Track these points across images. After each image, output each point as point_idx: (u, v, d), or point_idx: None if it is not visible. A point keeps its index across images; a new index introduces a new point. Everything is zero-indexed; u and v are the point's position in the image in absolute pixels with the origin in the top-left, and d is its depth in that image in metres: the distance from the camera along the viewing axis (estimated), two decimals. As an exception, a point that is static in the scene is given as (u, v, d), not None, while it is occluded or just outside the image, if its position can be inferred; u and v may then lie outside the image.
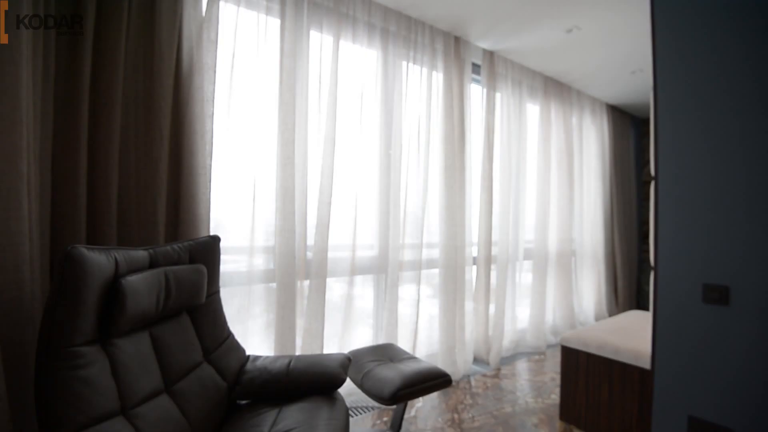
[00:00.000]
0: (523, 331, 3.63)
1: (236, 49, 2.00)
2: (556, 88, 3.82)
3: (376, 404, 2.36)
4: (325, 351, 2.29)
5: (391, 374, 1.71)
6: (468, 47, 3.00)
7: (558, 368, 2.87)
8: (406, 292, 2.71)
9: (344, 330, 2.41)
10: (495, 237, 3.22)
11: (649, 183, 4.89)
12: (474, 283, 3.05)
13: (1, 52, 1.23)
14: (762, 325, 1.18)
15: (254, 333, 2.14)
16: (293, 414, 1.37)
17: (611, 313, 4.42)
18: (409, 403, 2.28)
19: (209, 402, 1.40)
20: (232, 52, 1.99)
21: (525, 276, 3.66)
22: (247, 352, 1.73)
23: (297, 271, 2.18)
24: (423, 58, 2.77)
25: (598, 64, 3.47)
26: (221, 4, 1.93)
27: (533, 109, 3.77)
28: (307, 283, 2.24)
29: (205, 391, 1.40)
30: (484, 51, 3.13)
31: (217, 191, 1.98)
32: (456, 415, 2.30)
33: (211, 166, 1.89)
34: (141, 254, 1.31)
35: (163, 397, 1.26)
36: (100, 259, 1.10)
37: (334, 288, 2.45)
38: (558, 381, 2.70)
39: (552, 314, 3.88)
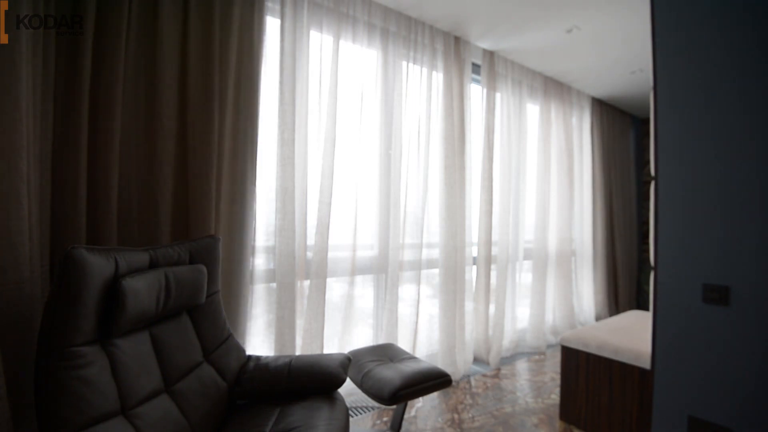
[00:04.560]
0: (523, 331, 3.63)
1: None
2: (556, 88, 3.82)
3: (376, 404, 2.36)
4: (325, 351, 2.29)
5: (391, 374, 1.71)
6: (468, 47, 3.00)
7: (558, 368, 2.87)
8: (406, 292, 2.71)
9: (344, 330, 2.41)
10: (495, 237, 3.22)
11: (649, 183, 4.89)
12: (474, 283, 3.05)
13: (1, 52, 1.22)
14: (762, 326, 1.18)
15: (254, 333, 2.14)
16: (293, 414, 1.37)
17: (611, 313, 4.42)
18: (409, 403, 2.28)
19: (209, 402, 1.40)
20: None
21: (525, 276, 3.66)
22: (248, 352, 1.73)
23: (297, 271, 2.17)
24: (423, 58, 2.77)
25: (598, 64, 3.47)
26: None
27: (533, 109, 3.77)
28: (307, 283, 2.24)
29: (206, 390, 1.40)
30: (484, 51, 3.13)
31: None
32: (456, 415, 2.30)
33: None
34: (141, 255, 1.31)
35: (163, 397, 1.26)
36: (100, 260, 1.10)
37: (334, 288, 2.45)
38: (558, 381, 2.70)
39: (552, 314, 3.88)
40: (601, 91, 4.15)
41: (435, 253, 2.89)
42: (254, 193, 2.05)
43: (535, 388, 2.72)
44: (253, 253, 2.08)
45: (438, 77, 2.87)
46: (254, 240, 2.08)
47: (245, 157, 2.02)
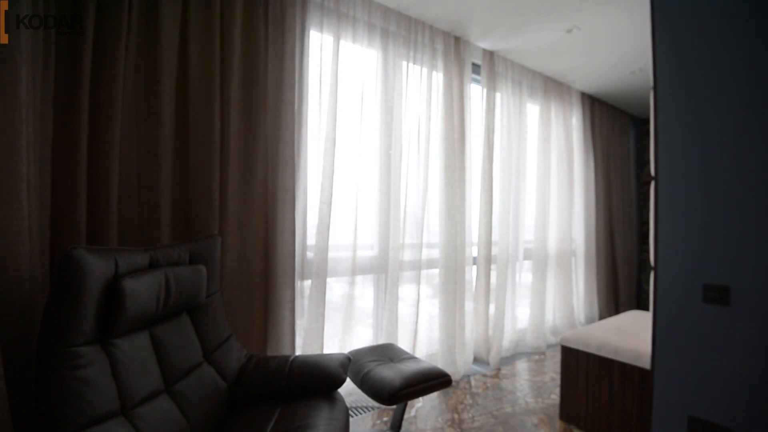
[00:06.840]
0: (523, 331, 3.63)
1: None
2: (555, 88, 3.82)
3: (376, 404, 2.36)
4: (325, 351, 2.29)
5: (391, 374, 1.71)
6: (468, 47, 3.00)
7: (558, 368, 2.87)
8: (406, 292, 2.71)
9: (344, 330, 2.41)
10: (495, 237, 3.22)
11: (649, 183, 4.89)
12: (474, 283, 3.05)
13: (1, 52, 1.22)
14: (762, 325, 1.18)
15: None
16: (293, 414, 1.37)
17: (611, 313, 4.42)
18: (409, 403, 2.28)
19: (209, 402, 1.40)
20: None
21: (525, 276, 3.66)
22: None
23: (297, 271, 2.18)
24: (423, 58, 2.77)
25: (598, 64, 3.47)
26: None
27: (533, 109, 3.77)
28: (307, 283, 2.24)
29: (205, 391, 1.40)
30: (484, 51, 3.13)
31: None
32: (456, 415, 2.30)
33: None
34: (141, 255, 1.31)
35: (163, 397, 1.26)
36: (100, 260, 1.10)
37: (334, 288, 2.45)
38: (558, 381, 2.70)
39: (552, 314, 3.88)
40: (601, 91, 4.15)
41: (435, 253, 2.89)
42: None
43: (535, 388, 2.72)
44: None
45: (438, 77, 2.87)
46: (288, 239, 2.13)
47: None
